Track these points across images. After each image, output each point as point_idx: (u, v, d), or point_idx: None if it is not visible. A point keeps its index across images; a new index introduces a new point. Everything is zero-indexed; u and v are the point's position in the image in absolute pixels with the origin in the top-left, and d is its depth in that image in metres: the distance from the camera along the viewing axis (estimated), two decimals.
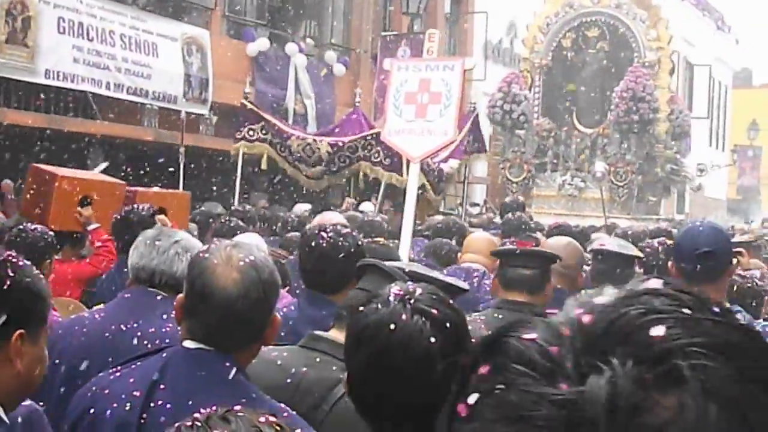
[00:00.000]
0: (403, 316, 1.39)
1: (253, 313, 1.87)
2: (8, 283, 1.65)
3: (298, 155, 10.10)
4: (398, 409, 1.37)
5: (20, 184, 8.00)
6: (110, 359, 2.31)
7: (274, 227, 7.76)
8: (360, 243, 3.02)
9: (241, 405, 1.16)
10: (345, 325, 2.03)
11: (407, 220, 5.78)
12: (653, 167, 14.27)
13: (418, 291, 1.44)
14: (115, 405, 1.84)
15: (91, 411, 1.86)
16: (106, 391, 1.88)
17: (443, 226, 6.53)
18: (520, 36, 21.16)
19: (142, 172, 10.56)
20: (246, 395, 1.75)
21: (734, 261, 3.29)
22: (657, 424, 0.48)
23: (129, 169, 10.54)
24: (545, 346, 0.52)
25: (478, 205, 14.93)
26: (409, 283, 1.51)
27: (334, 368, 2.08)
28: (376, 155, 9.93)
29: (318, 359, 2.17)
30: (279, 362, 2.17)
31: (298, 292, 4.10)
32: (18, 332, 1.69)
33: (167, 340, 2.40)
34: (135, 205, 4.44)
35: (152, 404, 1.82)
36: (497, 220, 10.86)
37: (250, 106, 10.44)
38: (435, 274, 2.78)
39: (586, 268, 4.55)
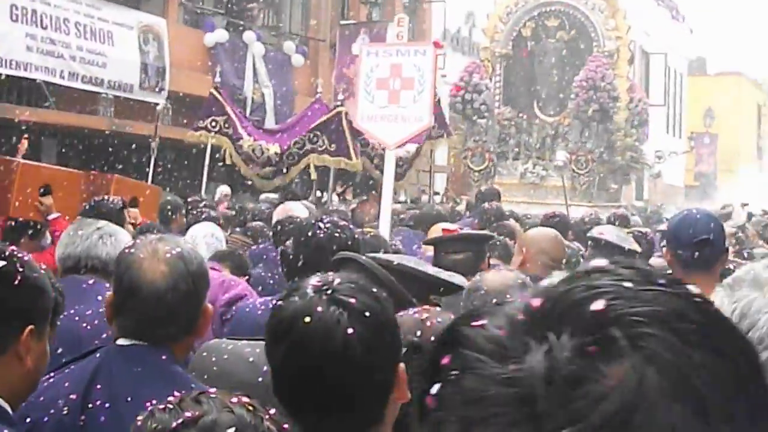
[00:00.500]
0: (319, 308, 1.35)
1: (183, 306, 1.84)
2: (18, 278, 1.64)
3: (249, 155, 10.20)
4: (321, 402, 1.33)
5: None
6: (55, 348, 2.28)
7: (242, 217, 7.75)
8: (356, 236, 2.99)
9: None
10: None
11: (385, 209, 5.73)
12: (613, 155, 14.40)
13: (337, 281, 1.40)
14: (51, 411, 1.79)
15: (28, 420, 1.80)
16: (41, 398, 1.81)
17: (425, 215, 6.52)
18: (479, 25, 21.22)
19: (98, 162, 10.38)
20: (185, 387, 1.69)
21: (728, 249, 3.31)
22: (598, 393, 0.49)
23: (84, 159, 10.35)
24: (494, 331, 0.54)
25: (438, 194, 14.95)
26: (331, 273, 1.46)
27: None
28: (322, 144, 10.02)
29: None
30: (251, 359, 2.10)
31: (271, 282, 4.12)
32: (29, 328, 1.69)
33: (104, 318, 2.40)
34: (106, 197, 4.38)
35: (90, 405, 1.78)
36: (459, 208, 10.93)
37: (219, 97, 10.41)
38: (427, 268, 2.77)
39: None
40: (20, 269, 1.65)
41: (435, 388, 0.54)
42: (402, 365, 1.38)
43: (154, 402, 1.17)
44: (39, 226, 5.24)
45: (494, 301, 2.40)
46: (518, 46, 14.62)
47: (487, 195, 8.82)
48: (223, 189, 11.07)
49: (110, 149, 11.04)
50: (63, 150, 11.55)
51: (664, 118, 27.97)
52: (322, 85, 11.97)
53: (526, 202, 13.05)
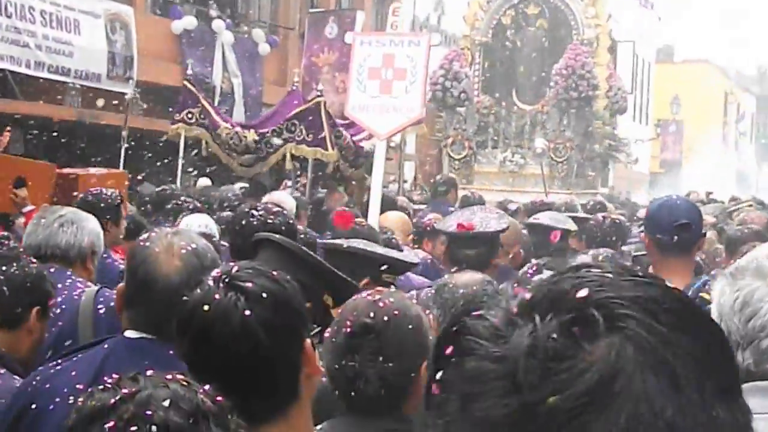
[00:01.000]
0: (217, 295, 1.39)
1: None
2: (30, 265, 2.02)
3: (227, 143, 10.07)
4: (234, 387, 1.33)
5: None
6: None
7: (215, 206, 7.66)
8: (291, 222, 3.05)
9: None
10: None
11: (374, 200, 5.69)
12: (591, 143, 14.35)
13: (236, 268, 1.44)
14: (57, 399, 1.80)
15: (33, 406, 1.83)
16: (47, 386, 1.84)
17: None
18: (448, 12, 21.16)
19: (65, 153, 10.07)
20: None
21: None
22: (581, 367, 0.55)
23: (51, 150, 10.02)
24: (491, 319, 0.61)
25: (406, 182, 14.85)
26: (231, 263, 1.52)
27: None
28: (300, 133, 9.89)
29: None
30: None
31: None
32: (36, 309, 2.20)
33: (63, 306, 2.59)
34: (101, 190, 4.33)
35: None
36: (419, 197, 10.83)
37: (191, 88, 10.24)
38: (376, 248, 2.90)
39: None
40: (27, 258, 1.85)
41: (439, 374, 0.61)
42: (308, 341, 1.43)
43: None
44: (10, 218, 5.23)
45: (461, 292, 2.61)
46: (498, 35, 14.51)
47: (445, 184, 8.92)
48: (204, 181, 10.81)
49: (78, 140, 10.72)
50: (29, 141, 11.17)
51: (631, 106, 28.13)
52: (299, 74, 11.74)
53: (506, 190, 12.96)
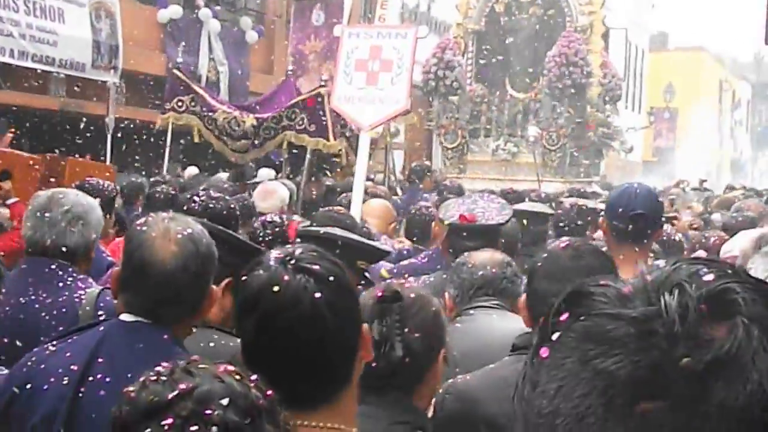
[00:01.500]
0: (286, 277, 1.39)
1: (191, 286, 1.87)
2: None
3: (224, 129, 9.97)
4: (296, 369, 1.37)
5: None
6: (12, 333, 2.38)
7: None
8: (233, 207, 3.12)
9: None
10: None
11: (357, 190, 5.66)
12: (586, 131, 14.25)
13: (298, 251, 1.44)
14: (52, 380, 1.82)
15: (28, 386, 1.84)
16: (42, 366, 1.85)
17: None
18: (438, 0, 20.96)
19: (50, 143, 9.91)
20: None
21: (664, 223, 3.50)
22: (713, 338, 0.60)
23: (36, 140, 9.86)
24: (619, 287, 0.65)
25: (394, 172, 14.77)
26: (288, 245, 1.52)
27: (231, 344, 2.08)
28: (300, 122, 9.87)
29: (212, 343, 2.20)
30: (231, 343, 2.18)
31: None
32: None
33: (63, 309, 2.53)
34: (98, 181, 4.36)
35: (90, 378, 1.80)
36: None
37: (181, 76, 10.16)
38: (353, 236, 2.96)
39: None
40: None
41: (555, 336, 0.64)
42: (366, 326, 1.45)
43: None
44: None
45: (480, 274, 2.65)
46: (491, 23, 14.37)
47: (419, 172, 9.00)
48: (192, 170, 10.70)
49: (63, 129, 10.58)
50: (13, 131, 10.99)
51: (624, 94, 27.99)
52: (292, 63, 11.67)
53: (499, 179, 12.86)
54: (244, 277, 1.46)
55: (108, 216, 3.97)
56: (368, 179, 10.71)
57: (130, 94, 12.79)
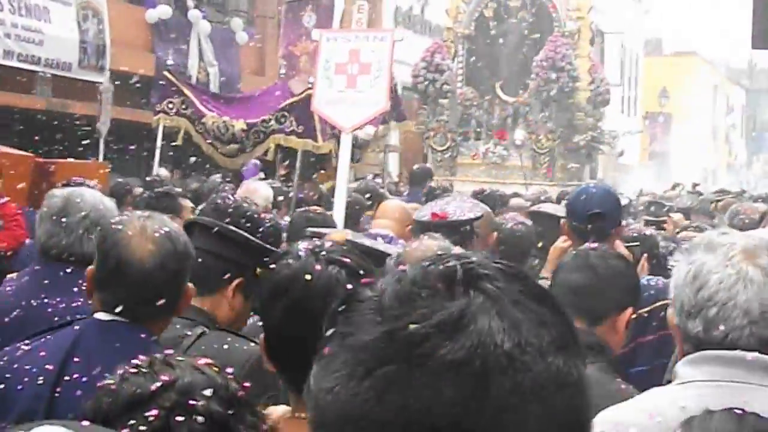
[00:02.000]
0: (318, 266, 1.42)
1: (169, 285, 1.87)
2: None
3: (213, 132, 10.01)
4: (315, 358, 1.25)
5: None
6: (22, 336, 2.27)
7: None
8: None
9: None
10: None
11: (340, 191, 5.74)
12: (574, 135, 14.32)
13: (328, 244, 1.49)
14: (26, 379, 1.79)
15: (1, 386, 1.81)
16: (16, 366, 1.83)
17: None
18: (432, 3, 20.98)
19: (36, 143, 9.89)
20: None
21: (623, 222, 3.58)
22: (435, 306, 0.70)
23: (21, 140, 9.85)
24: (375, 285, 0.76)
25: (390, 175, 14.84)
26: (316, 239, 1.58)
27: (177, 326, 2.10)
28: (289, 125, 9.94)
29: None
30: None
31: None
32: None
33: (77, 315, 2.42)
34: (84, 181, 4.18)
35: (67, 377, 1.78)
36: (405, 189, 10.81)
37: (171, 78, 10.21)
38: (366, 243, 2.94)
39: None
40: None
41: (330, 332, 0.75)
42: None
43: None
44: None
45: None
46: (480, 27, 14.46)
47: (421, 174, 9.00)
48: (162, 171, 10.71)
49: (49, 129, 10.56)
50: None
51: (620, 98, 28.05)
52: (289, 65, 11.70)
53: (488, 181, 12.81)
54: (272, 266, 1.50)
55: None
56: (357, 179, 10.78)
57: (119, 94, 12.76)
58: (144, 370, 1.14)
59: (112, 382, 1.14)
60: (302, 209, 4.02)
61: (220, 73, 14.73)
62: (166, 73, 10.29)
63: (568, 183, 13.69)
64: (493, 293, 0.70)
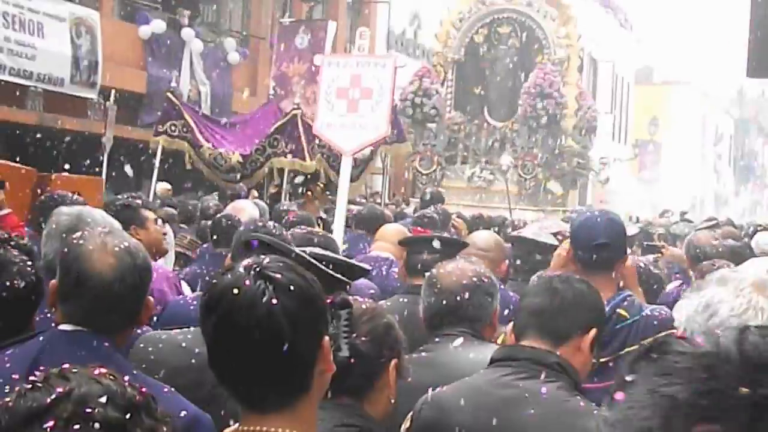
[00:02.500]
0: (247, 281, 1.44)
1: (129, 297, 1.94)
2: None
3: (210, 162, 10.22)
4: (249, 372, 1.43)
5: None
6: None
7: (187, 215, 7.81)
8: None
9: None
10: None
11: (339, 212, 5.85)
12: (560, 161, 14.43)
13: (267, 260, 1.50)
14: None
15: None
16: None
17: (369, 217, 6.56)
18: (424, 27, 21.14)
19: (27, 157, 9.89)
20: (126, 373, 1.75)
21: (629, 252, 3.47)
22: None
23: (11, 154, 9.85)
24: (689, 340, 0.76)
25: (377, 193, 14.88)
26: (263, 255, 1.56)
27: None
28: (281, 147, 10.17)
29: None
30: (183, 344, 2.29)
31: (207, 279, 4.08)
32: None
33: None
34: (68, 194, 4.23)
35: None
36: (408, 211, 10.83)
37: (175, 101, 10.33)
38: (337, 256, 3.00)
39: None
40: None
41: (628, 378, 0.73)
42: (326, 338, 1.48)
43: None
44: None
45: (444, 302, 2.55)
46: (470, 53, 14.62)
47: (432, 199, 9.03)
48: (163, 185, 10.75)
49: (40, 144, 10.57)
50: None
51: (611, 125, 28.22)
52: (273, 87, 11.83)
53: (473, 205, 12.96)
54: (212, 280, 1.54)
55: None
56: (352, 202, 10.87)
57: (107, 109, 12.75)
58: (39, 384, 1.14)
59: (8, 399, 1.14)
60: (304, 230, 4.04)
61: (211, 92, 14.77)
62: (169, 94, 10.42)
63: (554, 208, 13.90)
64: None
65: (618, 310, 2.85)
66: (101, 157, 9.51)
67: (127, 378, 1.22)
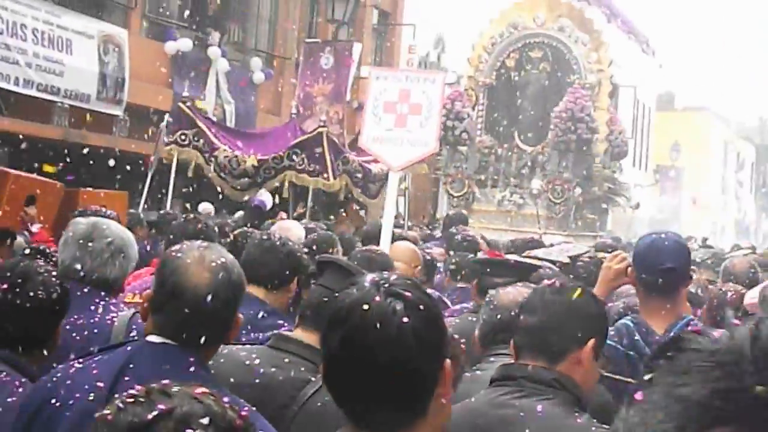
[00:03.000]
0: (377, 298, 1.42)
1: (221, 313, 1.93)
2: None
3: (224, 166, 10.10)
4: (371, 390, 1.38)
5: None
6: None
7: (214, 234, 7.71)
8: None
9: None
10: (310, 324, 2.31)
11: (386, 228, 5.84)
12: (591, 186, 14.34)
13: (393, 277, 1.48)
14: (77, 395, 1.84)
15: (53, 401, 1.86)
16: (68, 382, 1.88)
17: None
18: (448, 50, 21.11)
19: (54, 172, 9.82)
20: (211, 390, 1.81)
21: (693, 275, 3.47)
22: None
23: (37, 168, 9.75)
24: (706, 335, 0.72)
25: (399, 214, 14.80)
26: (385, 272, 1.55)
27: (302, 369, 2.21)
28: (301, 162, 10.08)
29: (287, 360, 2.29)
30: (247, 362, 2.28)
31: None
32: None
33: (95, 331, 2.58)
34: (104, 210, 4.42)
35: (116, 395, 1.73)
36: (437, 233, 10.69)
37: (187, 111, 10.33)
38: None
39: None
40: None
41: (648, 376, 0.70)
42: (448, 362, 1.44)
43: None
44: (14, 235, 5.22)
45: (498, 317, 2.62)
46: (502, 76, 14.62)
47: (455, 219, 9.06)
48: (206, 206, 10.67)
49: (65, 159, 10.47)
50: (13, 158, 10.91)
51: (631, 151, 28.01)
52: (296, 106, 11.88)
53: (503, 229, 12.88)
54: (336, 294, 1.52)
55: None
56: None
57: (134, 127, 12.70)
58: (141, 399, 1.14)
59: (108, 411, 1.14)
60: (363, 249, 4.08)
61: (235, 111, 14.73)
62: (181, 104, 10.38)
63: (584, 233, 13.76)
64: None
65: (681, 334, 2.75)
66: (129, 173, 9.43)
67: (227, 399, 1.20)
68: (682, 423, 0.64)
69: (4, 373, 2.23)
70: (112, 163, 10.50)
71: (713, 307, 4.48)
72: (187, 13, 14.55)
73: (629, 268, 3.10)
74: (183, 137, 10.11)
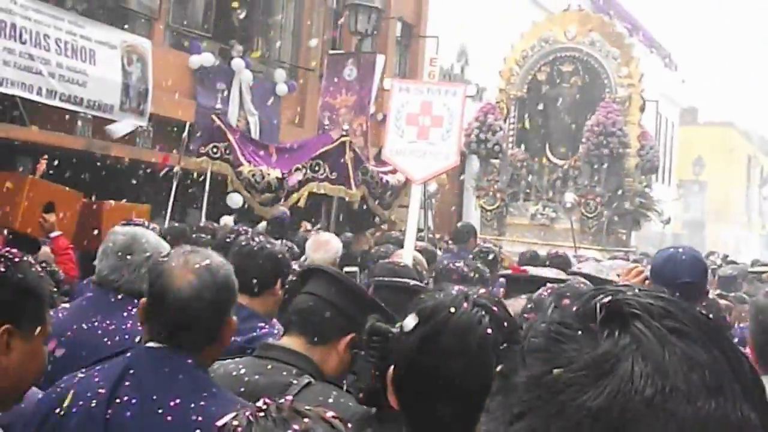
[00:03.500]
0: (465, 305, 1.43)
1: (207, 314, 1.94)
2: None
3: (248, 181, 10.09)
4: (441, 393, 1.38)
5: None
6: (78, 355, 2.41)
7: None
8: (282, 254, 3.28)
9: (203, 399, 1.50)
10: (296, 330, 2.35)
11: (409, 239, 5.80)
12: (623, 200, 14.18)
13: (482, 291, 1.50)
14: (81, 403, 1.89)
15: (57, 411, 1.91)
16: (72, 392, 1.91)
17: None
18: (471, 62, 20.92)
19: (76, 183, 9.59)
20: (207, 390, 1.88)
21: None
22: (580, 350, 0.66)
23: (59, 179, 9.55)
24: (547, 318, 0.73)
25: (422, 230, 14.53)
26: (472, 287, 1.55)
27: (284, 373, 2.24)
28: (323, 172, 10.06)
29: (269, 366, 2.31)
30: (234, 373, 2.31)
31: None
32: (4, 327, 1.75)
33: (126, 336, 2.61)
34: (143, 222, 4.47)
35: (117, 399, 1.86)
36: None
37: (220, 124, 10.33)
38: (402, 280, 3.21)
39: None
40: (1, 269, 1.71)
41: (499, 367, 0.84)
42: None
43: (178, 401, 1.40)
44: (37, 242, 5.28)
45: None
46: (533, 90, 14.55)
47: (464, 231, 9.06)
48: (227, 219, 10.49)
49: (87, 170, 10.27)
50: (46, 158, 10.73)
51: None
52: (328, 117, 11.75)
53: (536, 243, 12.75)
54: (421, 296, 1.52)
55: None
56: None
57: (157, 138, 12.50)
58: (273, 415, 1.13)
59: (237, 423, 1.13)
60: (387, 261, 4.18)
61: (259, 123, 14.55)
62: (214, 116, 10.37)
63: (616, 248, 13.53)
64: (639, 333, 0.64)
65: None
66: (153, 184, 9.29)
67: (351, 425, 1.21)
68: (503, 413, 0.67)
69: None
70: (135, 174, 10.32)
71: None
72: (210, 24, 14.41)
73: (647, 281, 3.13)
74: (215, 150, 10.09)
